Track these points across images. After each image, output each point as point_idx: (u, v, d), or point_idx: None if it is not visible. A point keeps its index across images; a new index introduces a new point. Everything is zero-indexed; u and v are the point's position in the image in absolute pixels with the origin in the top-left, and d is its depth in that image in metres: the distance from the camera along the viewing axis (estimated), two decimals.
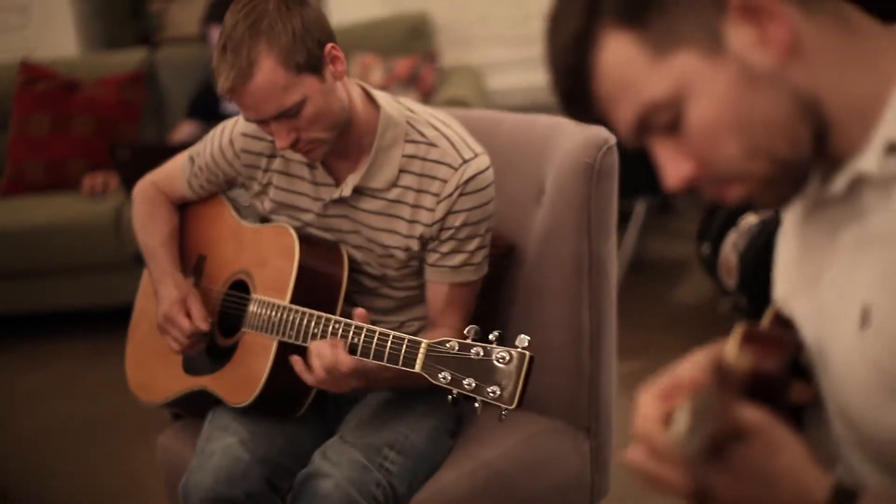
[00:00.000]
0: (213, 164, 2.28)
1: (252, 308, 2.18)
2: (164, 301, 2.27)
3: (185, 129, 4.68)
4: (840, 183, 1.11)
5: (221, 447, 2.12)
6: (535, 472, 2.27)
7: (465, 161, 2.08)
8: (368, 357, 1.91)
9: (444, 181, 2.08)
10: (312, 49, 1.98)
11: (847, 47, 1.10)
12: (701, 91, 1.08)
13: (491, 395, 1.71)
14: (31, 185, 4.89)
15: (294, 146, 2.03)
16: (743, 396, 1.08)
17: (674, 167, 1.13)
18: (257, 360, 2.15)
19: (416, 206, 2.11)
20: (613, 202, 2.30)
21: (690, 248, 4.43)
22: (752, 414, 1.05)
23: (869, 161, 1.08)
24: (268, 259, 2.21)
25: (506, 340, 1.75)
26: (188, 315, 2.23)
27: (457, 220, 2.09)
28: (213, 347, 2.28)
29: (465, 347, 1.75)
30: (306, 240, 2.17)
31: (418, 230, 2.11)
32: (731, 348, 1.17)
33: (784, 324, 1.24)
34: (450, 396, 1.77)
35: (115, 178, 4.70)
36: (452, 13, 5.35)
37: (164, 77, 5.20)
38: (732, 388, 0.98)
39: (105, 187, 4.73)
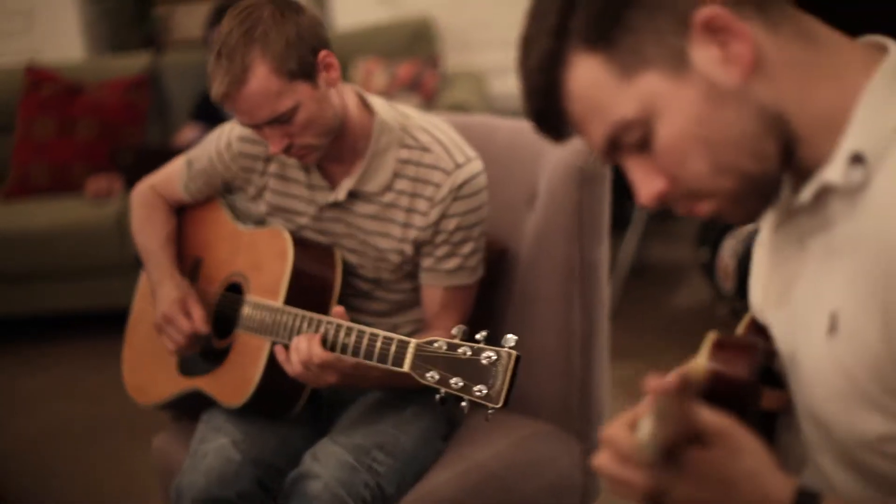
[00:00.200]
0: (211, 167, 2.31)
1: (246, 310, 2.20)
2: (162, 301, 2.30)
3: (188, 133, 4.70)
4: (807, 193, 1.13)
5: (214, 448, 2.15)
6: (526, 475, 2.29)
7: (459, 165, 2.11)
8: (359, 356, 1.93)
9: (438, 185, 2.10)
10: (306, 56, 2.00)
11: (811, 61, 1.12)
12: (668, 110, 1.10)
13: (478, 394, 1.73)
14: (35, 189, 4.92)
15: (287, 151, 2.06)
16: (709, 402, 1.10)
17: (646, 184, 1.15)
18: (251, 362, 2.17)
19: (410, 210, 2.13)
20: (605, 207, 2.31)
21: (690, 252, 4.44)
22: (713, 418, 1.07)
23: (834, 172, 1.10)
24: (262, 261, 2.24)
25: (494, 341, 1.77)
26: (187, 315, 2.26)
27: (450, 224, 2.11)
28: (208, 349, 2.30)
29: (452, 347, 1.77)
30: (300, 243, 2.19)
31: (412, 234, 2.13)
32: (701, 355, 1.19)
33: (758, 332, 1.26)
34: (437, 396, 1.78)
35: (119, 181, 4.74)
36: (455, 18, 5.38)
37: (168, 81, 5.23)
38: (691, 392, 1.00)
39: (108, 191, 4.76)
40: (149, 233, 2.40)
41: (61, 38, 5.65)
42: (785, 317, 1.21)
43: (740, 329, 1.30)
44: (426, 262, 2.16)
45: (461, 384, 1.74)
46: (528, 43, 1.16)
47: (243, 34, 1.97)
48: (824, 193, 1.13)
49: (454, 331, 1.78)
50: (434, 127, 2.17)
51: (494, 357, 1.72)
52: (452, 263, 2.15)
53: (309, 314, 2.05)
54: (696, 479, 1.08)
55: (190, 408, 2.35)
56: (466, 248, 2.15)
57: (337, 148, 2.13)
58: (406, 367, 1.83)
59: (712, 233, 3.91)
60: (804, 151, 1.12)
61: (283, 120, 2.01)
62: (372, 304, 2.25)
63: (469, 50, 5.34)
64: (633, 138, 1.13)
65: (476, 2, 5.34)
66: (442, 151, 2.12)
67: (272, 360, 2.10)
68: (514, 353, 1.71)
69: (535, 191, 2.35)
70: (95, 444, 3.76)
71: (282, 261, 2.17)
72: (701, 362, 1.15)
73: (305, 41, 2.00)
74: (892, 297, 1.03)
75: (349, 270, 2.22)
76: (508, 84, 5.35)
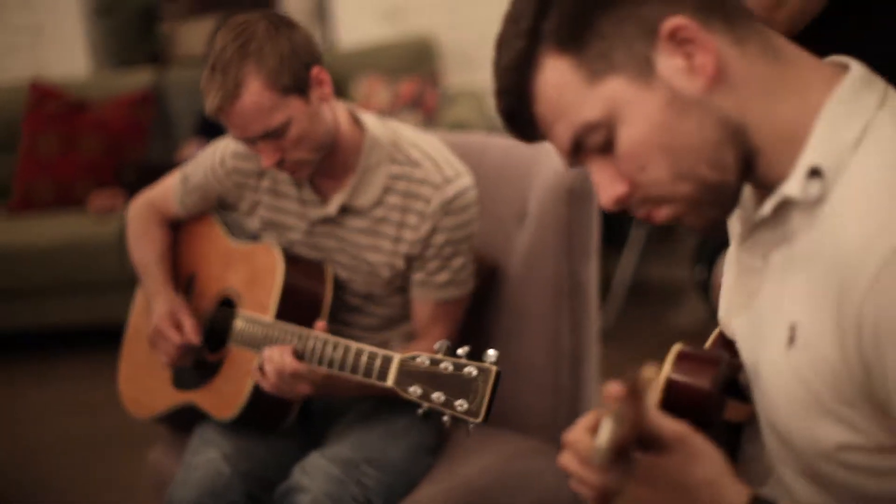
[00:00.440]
0: (205, 183, 2.34)
1: (238, 324, 2.23)
2: (155, 315, 2.33)
3: (191, 149, 4.73)
4: (767, 207, 1.16)
5: (205, 461, 2.17)
6: (514, 490, 2.31)
7: (449, 181, 2.14)
8: (345, 371, 1.95)
9: (428, 200, 2.13)
10: (299, 72, 2.03)
11: (774, 77, 1.14)
12: (631, 115, 1.13)
13: (459, 408, 1.75)
14: (39, 204, 4.96)
15: (279, 165, 2.09)
16: (671, 412, 1.13)
17: (607, 187, 1.18)
18: (242, 376, 2.20)
19: (400, 225, 2.16)
20: (594, 225, 2.34)
21: (689, 272, 4.46)
22: (671, 425, 1.10)
23: (792, 186, 1.12)
24: (254, 277, 2.26)
25: (478, 356, 1.78)
26: (178, 327, 2.29)
27: (440, 238, 2.14)
28: (202, 363, 2.33)
29: (435, 362, 1.79)
30: (292, 258, 2.22)
31: (403, 248, 2.16)
32: (666, 366, 1.21)
33: (725, 345, 1.29)
34: (419, 410, 1.80)
35: (122, 196, 4.77)
36: (456, 37, 5.41)
37: (172, 97, 5.27)
38: (644, 397, 1.03)
39: (112, 206, 4.79)
40: (144, 247, 2.43)
41: (67, 54, 5.69)
42: (748, 329, 1.24)
43: (708, 343, 1.33)
44: (417, 276, 2.19)
45: (443, 399, 1.76)
46: (501, 44, 1.20)
47: (237, 49, 2.00)
48: (785, 207, 1.15)
49: (436, 346, 1.80)
50: (425, 143, 2.20)
51: (475, 372, 1.74)
52: (443, 277, 2.17)
53: (298, 329, 2.07)
54: (653, 483, 1.11)
55: (185, 421, 2.37)
56: (457, 262, 2.17)
57: (328, 163, 2.16)
58: (390, 382, 1.85)
59: (708, 251, 3.92)
60: (765, 165, 1.15)
61: (275, 134, 2.04)
62: (363, 319, 2.27)
63: (470, 68, 5.38)
64: (596, 141, 1.16)
65: (477, 21, 5.37)
66: (432, 167, 2.15)
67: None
68: (494, 368, 1.73)
69: (525, 208, 2.38)
70: (95, 457, 3.78)
71: (273, 276, 2.20)
72: (661, 370, 1.18)
73: (299, 57, 2.03)
74: (846, 310, 1.06)
75: (341, 285, 2.24)
76: None
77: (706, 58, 1.12)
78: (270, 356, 2.03)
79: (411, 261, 2.18)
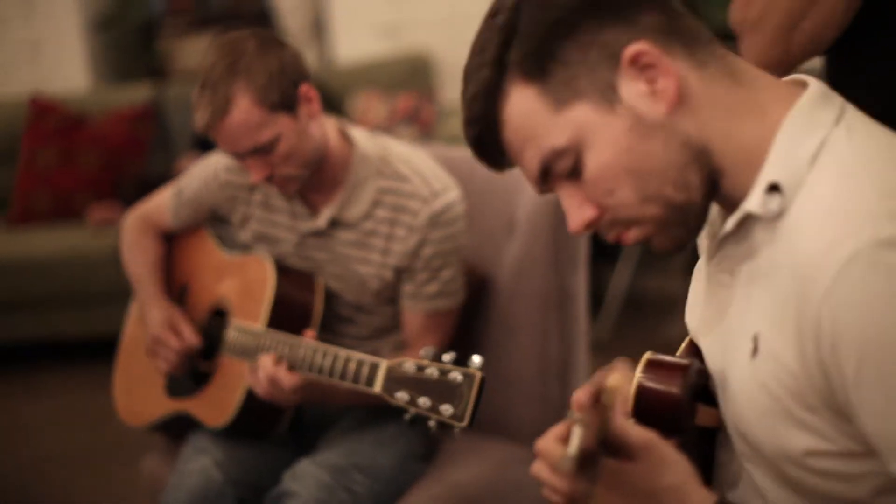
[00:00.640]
0: (198, 196, 2.38)
1: (230, 334, 2.27)
2: (151, 324, 2.36)
3: (188, 163, 4.76)
4: (730, 223, 1.20)
5: (198, 468, 2.21)
6: (503, 498, 2.34)
7: (436, 194, 2.17)
8: (334, 377, 1.99)
9: (416, 213, 2.17)
10: (287, 89, 2.07)
11: (735, 98, 1.18)
12: (597, 140, 1.17)
13: (444, 413, 1.78)
14: (38, 216, 5.00)
15: (268, 180, 2.13)
16: (641, 418, 1.17)
17: (576, 212, 1.21)
18: (233, 384, 2.24)
19: (389, 238, 2.19)
20: (582, 237, 2.37)
21: (683, 284, 4.48)
22: (637, 432, 1.14)
23: (752, 201, 1.16)
24: (246, 287, 2.30)
25: (464, 363, 1.82)
26: (177, 334, 2.33)
27: (429, 251, 2.17)
28: (195, 372, 2.37)
29: (421, 368, 1.82)
30: (283, 270, 2.26)
31: (392, 260, 2.20)
32: (636, 374, 1.25)
33: (696, 354, 1.32)
34: (406, 416, 1.83)
35: (120, 210, 4.80)
36: (452, 52, 5.45)
37: (171, 111, 5.29)
38: (607, 405, 1.05)
39: (110, 219, 4.82)
40: (138, 259, 2.47)
41: (67, 69, 5.73)
42: (716, 341, 1.27)
43: (680, 350, 1.36)
44: (407, 288, 2.22)
45: (429, 404, 1.79)
46: (468, 74, 1.23)
47: (227, 67, 2.04)
48: (748, 223, 1.19)
49: (422, 352, 1.84)
50: (413, 157, 2.24)
51: (461, 378, 1.77)
52: (432, 288, 2.21)
53: (289, 338, 2.11)
54: (620, 490, 1.14)
55: (178, 430, 2.41)
56: (446, 274, 2.21)
57: (318, 178, 2.19)
58: (377, 388, 1.89)
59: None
60: (729, 183, 1.18)
61: (264, 150, 2.08)
62: (353, 329, 2.31)
63: None
64: (564, 167, 1.19)
65: (473, 37, 5.41)
66: (420, 181, 2.19)
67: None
68: (479, 373, 1.76)
69: (514, 221, 2.41)
70: (92, 467, 3.80)
71: (265, 287, 2.23)
72: (626, 378, 1.21)
73: (287, 74, 2.07)
74: (805, 318, 1.08)
75: (331, 296, 2.28)
76: None
77: (668, 82, 1.15)
78: (263, 363, 2.07)
79: (400, 273, 2.21)
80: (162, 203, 2.47)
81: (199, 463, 2.22)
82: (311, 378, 2.03)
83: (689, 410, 1.24)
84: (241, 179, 2.30)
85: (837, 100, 1.19)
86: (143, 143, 5.16)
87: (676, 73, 1.16)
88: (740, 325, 1.20)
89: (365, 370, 1.93)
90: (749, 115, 1.17)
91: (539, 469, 1.18)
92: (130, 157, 5.10)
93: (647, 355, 1.26)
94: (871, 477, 1.13)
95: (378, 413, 2.27)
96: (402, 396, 1.83)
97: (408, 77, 5.28)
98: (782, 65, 1.50)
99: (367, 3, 5.57)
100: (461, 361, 1.80)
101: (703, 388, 1.28)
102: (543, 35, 1.17)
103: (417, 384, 1.82)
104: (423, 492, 2.24)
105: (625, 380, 1.24)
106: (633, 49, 1.15)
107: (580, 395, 1.13)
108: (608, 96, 1.16)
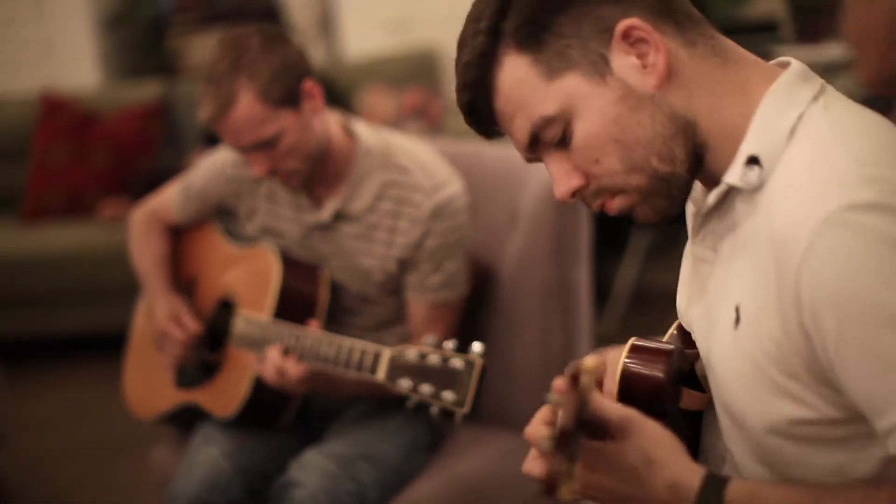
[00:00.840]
0: (205, 191, 2.42)
1: (237, 325, 2.30)
2: (158, 317, 2.40)
3: (199, 158, 4.79)
4: (712, 197, 1.23)
5: (206, 458, 2.24)
6: (508, 487, 2.37)
7: (439, 187, 2.20)
8: (339, 366, 2.02)
9: (419, 206, 2.20)
10: (291, 85, 2.10)
11: (721, 76, 1.22)
12: (586, 109, 1.20)
13: (446, 400, 1.81)
14: (50, 213, 5.03)
15: (271, 174, 2.16)
16: (626, 402, 1.19)
17: (563, 179, 1.25)
18: (240, 375, 2.27)
19: (392, 230, 2.22)
20: (584, 229, 2.40)
21: None
22: (617, 410, 1.17)
23: (733, 174, 1.19)
24: (252, 279, 2.34)
25: (465, 350, 1.85)
26: (181, 326, 2.36)
27: (432, 243, 2.20)
28: (203, 363, 2.40)
29: (423, 355, 1.86)
30: (288, 261, 2.30)
31: (395, 252, 2.23)
32: (621, 358, 1.27)
33: (682, 337, 1.34)
34: (408, 403, 1.86)
35: (130, 205, 4.81)
36: None
37: (181, 108, 5.31)
38: (584, 386, 1.07)
39: (121, 215, 4.85)
40: (145, 253, 2.51)
41: (77, 67, 5.75)
42: (702, 318, 1.30)
43: (667, 336, 1.39)
44: (411, 280, 2.25)
45: (431, 391, 1.82)
46: (463, 42, 1.27)
47: (232, 62, 2.07)
48: (729, 197, 1.22)
49: (424, 340, 1.87)
50: (416, 151, 2.27)
51: (462, 365, 1.80)
52: (437, 280, 2.24)
53: (294, 328, 2.14)
54: (602, 469, 1.17)
55: (187, 421, 2.45)
56: (450, 266, 2.23)
57: (322, 172, 2.22)
58: (380, 375, 1.92)
59: None
60: (713, 159, 1.22)
61: (267, 145, 2.11)
62: (358, 320, 2.34)
63: None
64: (553, 135, 1.23)
65: None
66: (422, 174, 2.22)
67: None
68: (480, 360, 1.79)
69: (517, 213, 2.44)
70: (102, 461, 3.84)
71: (270, 278, 2.27)
72: (599, 359, 1.22)
73: (291, 71, 2.10)
74: (784, 283, 1.11)
75: (336, 287, 2.31)
76: None
77: (658, 57, 1.19)
78: (271, 355, 2.10)
79: (404, 265, 2.24)
80: (169, 198, 2.51)
81: (208, 453, 2.25)
82: (317, 368, 2.06)
83: (673, 393, 1.27)
84: (248, 174, 2.33)
85: (818, 80, 1.23)
86: (154, 140, 5.20)
87: (667, 48, 1.20)
88: (722, 298, 1.23)
89: (368, 358, 1.96)
90: (733, 93, 1.21)
91: (530, 458, 1.23)
92: (141, 154, 5.13)
93: (632, 340, 1.29)
94: (852, 441, 1.15)
95: (383, 404, 2.30)
96: (404, 383, 1.87)
97: (415, 72, 5.31)
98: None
99: None
100: (462, 349, 1.83)
101: (688, 373, 1.31)
102: (538, 6, 1.21)
103: (420, 371, 1.85)
104: (427, 481, 2.27)
105: (602, 361, 1.26)
106: (625, 23, 1.19)
107: (559, 378, 1.16)
108: (600, 68, 1.20)
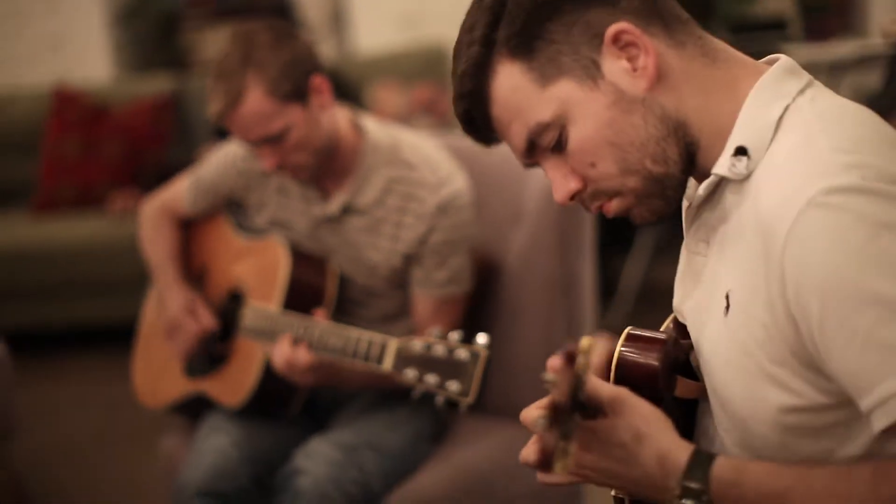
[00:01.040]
0: (215, 184, 2.45)
1: (246, 315, 2.33)
2: (170, 308, 2.44)
3: (208, 151, 4.82)
4: (702, 189, 1.26)
5: (214, 447, 2.28)
6: (514, 476, 2.39)
7: (444, 183, 2.23)
8: (346, 356, 2.05)
9: (424, 201, 2.23)
10: (299, 80, 2.13)
11: (710, 76, 1.25)
12: (580, 114, 1.23)
13: (451, 390, 1.84)
14: (61, 205, 5.07)
15: (279, 168, 2.19)
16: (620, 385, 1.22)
17: (561, 183, 1.28)
18: (249, 365, 2.31)
19: (398, 225, 2.26)
20: (587, 224, 2.43)
21: None
22: (607, 388, 1.20)
23: (721, 165, 1.22)
24: (261, 270, 2.37)
25: (470, 341, 1.88)
26: (195, 317, 2.39)
27: (437, 238, 2.23)
28: (212, 353, 2.44)
29: (429, 346, 1.89)
30: (297, 253, 2.33)
31: (401, 247, 2.26)
32: (616, 347, 1.30)
33: (677, 329, 1.37)
34: (414, 393, 1.90)
35: (141, 198, 4.85)
36: None
37: (192, 102, 5.34)
38: (578, 366, 1.10)
39: (131, 208, 4.89)
40: (156, 245, 2.54)
41: (89, 60, 5.79)
42: (694, 307, 1.33)
43: (663, 327, 1.42)
44: (417, 274, 2.28)
45: (436, 381, 1.86)
46: (458, 52, 1.30)
47: (241, 57, 2.10)
48: (720, 188, 1.26)
49: (430, 331, 1.90)
50: (423, 147, 2.30)
51: (467, 355, 1.84)
52: (442, 275, 2.27)
53: (302, 319, 2.17)
54: (596, 448, 1.20)
55: (195, 410, 2.48)
56: (455, 261, 2.26)
57: (330, 166, 2.26)
58: (387, 365, 1.95)
59: None
60: (704, 157, 1.25)
61: (275, 140, 2.14)
62: (365, 312, 2.37)
63: None
64: (549, 140, 1.25)
65: None
66: (429, 169, 2.25)
67: (268, 363, 2.24)
68: (485, 351, 1.82)
69: (521, 208, 2.47)
70: (111, 450, 3.88)
71: (279, 270, 2.30)
72: (593, 340, 1.24)
73: (299, 66, 2.13)
74: (770, 270, 1.14)
75: (344, 280, 2.34)
76: None
77: (648, 60, 1.22)
78: (281, 347, 2.14)
79: (409, 260, 2.27)
80: (179, 191, 2.54)
81: (216, 441, 2.28)
82: (325, 358, 2.10)
83: (667, 381, 1.29)
84: (258, 167, 2.37)
85: (805, 74, 1.25)
86: (165, 134, 5.23)
87: (656, 51, 1.23)
88: (714, 287, 1.26)
89: (375, 348, 1.99)
90: (722, 91, 1.24)
91: (529, 444, 1.26)
92: (152, 147, 5.17)
93: (628, 329, 1.32)
94: (839, 428, 1.17)
95: (389, 395, 2.33)
96: (410, 373, 1.90)
97: (426, 68, 5.34)
98: None
99: None
100: (468, 340, 1.86)
101: (683, 362, 1.33)
102: (529, 15, 1.23)
103: (425, 362, 1.88)
104: (432, 471, 2.30)
105: (597, 341, 1.29)
106: (615, 28, 1.22)
107: (554, 357, 1.18)
108: (591, 73, 1.23)
